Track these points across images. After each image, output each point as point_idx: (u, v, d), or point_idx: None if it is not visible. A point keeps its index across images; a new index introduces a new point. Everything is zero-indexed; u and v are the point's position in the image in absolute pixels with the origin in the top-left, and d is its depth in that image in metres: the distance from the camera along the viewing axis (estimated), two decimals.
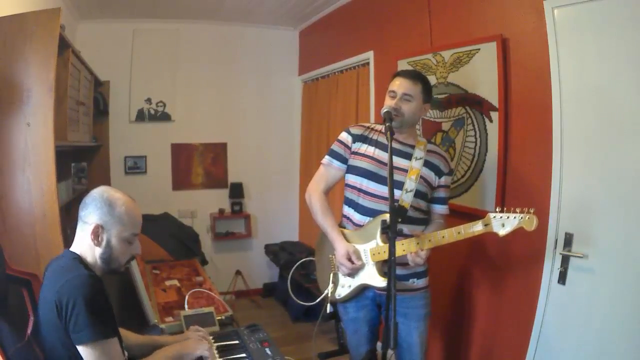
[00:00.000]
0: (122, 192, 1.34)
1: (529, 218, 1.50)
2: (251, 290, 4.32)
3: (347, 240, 1.81)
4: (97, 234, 1.25)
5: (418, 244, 1.67)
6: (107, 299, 1.24)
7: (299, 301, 2.11)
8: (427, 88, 1.80)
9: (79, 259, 1.26)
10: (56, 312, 1.13)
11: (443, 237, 1.64)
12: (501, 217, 1.54)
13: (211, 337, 1.61)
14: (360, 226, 1.82)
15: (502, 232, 1.54)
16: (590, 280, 1.70)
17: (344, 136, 1.90)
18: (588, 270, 1.71)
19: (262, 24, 4.29)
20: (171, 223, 3.89)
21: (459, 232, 1.61)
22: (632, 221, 1.57)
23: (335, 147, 1.90)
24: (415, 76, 1.80)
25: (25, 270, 1.41)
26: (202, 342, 1.47)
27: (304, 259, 2.50)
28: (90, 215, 1.26)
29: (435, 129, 2.41)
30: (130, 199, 1.33)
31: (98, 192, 1.29)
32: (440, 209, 1.88)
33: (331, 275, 1.86)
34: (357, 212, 1.84)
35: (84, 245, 1.28)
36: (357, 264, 1.75)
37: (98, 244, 1.26)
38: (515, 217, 1.52)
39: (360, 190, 1.82)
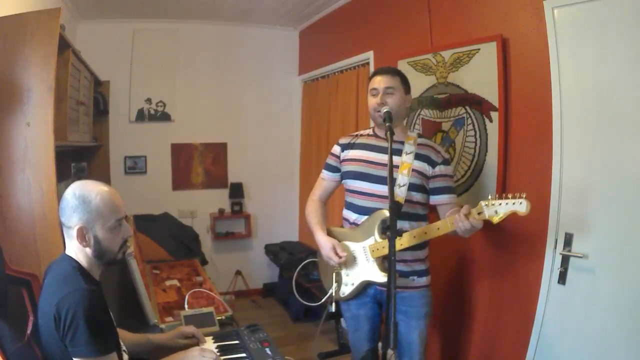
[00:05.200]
0: (95, 182, 1.28)
1: (521, 203, 1.47)
2: (251, 290, 4.32)
3: (345, 238, 1.85)
4: (82, 235, 1.22)
5: (439, 228, 1.65)
6: (107, 313, 1.22)
7: (304, 302, 2.11)
8: (404, 79, 1.87)
9: (78, 268, 1.23)
10: (54, 324, 1.12)
11: (438, 228, 1.65)
12: (493, 204, 1.52)
13: (216, 350, 1.56)
14: (357, 225, 1.85)
15: (495, 218, 1.53)
16: (590, 280, 1.70)
17: (335, 148, 2.01)
18: (588, 270, 1.71)
19: (262, 24, 4.28)
20: (171, 223, 3.90)
21: (452, 223, 1.61)
22: (632, 221, 1.57)
23: (328, 159, 2.03)
24: (391, 70, 1.89)
25: (25, 270, 1.41)
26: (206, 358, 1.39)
27: (308, 260, 2.50)
28: (70, 219, 1.22)
29: (435, 129, 2.41)
30: (104, 187, 1.27)
31: (70, 193, 1.24)
32: (441, 199, 1.83)
33: (334, 274, 1.87)
34: (353, 211, 1.89)
35: (76, 249, 1.25)
36: (343, 256, 1.77)
37: (87, 245, 1.23)
38: (507, 203, 1.50)
39: (354, 191, 1.89)
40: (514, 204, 1.49)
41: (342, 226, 1.98)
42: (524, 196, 1.48)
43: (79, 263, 1.25)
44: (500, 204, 1.52)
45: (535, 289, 1.89)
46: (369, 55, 3.19)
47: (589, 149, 1.71)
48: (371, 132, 1.95)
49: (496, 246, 2.11)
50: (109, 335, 1.19)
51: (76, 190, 1.24)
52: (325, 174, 2.02)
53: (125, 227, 1.31)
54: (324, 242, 1.83)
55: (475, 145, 2.18)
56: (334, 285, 1.86)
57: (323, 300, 1.94)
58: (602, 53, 1.64)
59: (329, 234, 1.90)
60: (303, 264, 2.41)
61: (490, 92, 2.07)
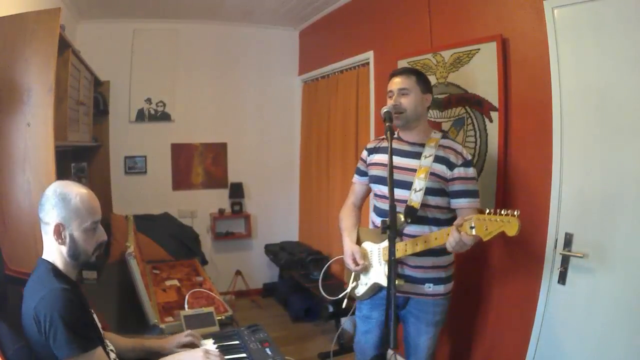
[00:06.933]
0: (76, 183, 1.32)
1: (510, 222, 1.35)
2: (251, 290, 4.31)
3: (366, 238, 1.89)
4: (59, 232, 1.24)
5: (436, 238, 1.63)
6: (84, 309, 1.23)
7: (327, 296, 2.10)
8: (422, 78, 1.84)
9: (52, 269, 1.24)
10: (36, 328, 1.14)
11: (435, 238, 1.64)
12: (484, 220, 1.42)
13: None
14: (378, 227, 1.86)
15: (486, 234, 1.42)
16: (590, 280, 1.70)
17: (363, 153, 2.04)
18: (588, 270, 1.71)
19: (262, 24, 4.28)
20: (171, 223, 3.90)
21: (447, 234, 1.56)
22: (632, 221, 1.57)
23: (358, 164, 2.07)
24: (407, 70, 1.87)
25: (25, 270, 1.40)
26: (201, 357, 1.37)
27: (337, 257, 2.51)
28: (48, 215, 1.24)
29: (435, 129, 2.41)
30: (84, 189, 1.30)
31: (51, 190, 1.26)
32: (459, 203, 1.77)
33: (353, 273, 1.90)
34: (377, 214, 1.93)
35: (52, 249, 1.27)
36: (360, 264, 1.80)
37: (62, 242, 1.25)
38: (497, 220, 1.38)
39: (377, 195, 1.93)
40: (502, 221, 1.37)
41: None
42: (517, 214, 1.35)
43: (54, 265, 1.26)
44: (490, 220, 1.40)
45: (535, 289, 1.89)
46: (369, 55, 3.19)
47: (589, 149, 1.71)
48: (396, 136, 1.91)
49: (496, 246, 2.11)
50: (89, 331, 1.20)
51: (57, 188, 1.27)
52: (355, 178, 2.06)
53: (100, 230, 1.33)
54: (346, 248, 1.89)
55: (475, 145, 2.18)
56: (352, 283, 1.90)
57: (341, 296, 1.97)
58: (602, 53, 1.64)
59: (357, 233, 1.94)
60: (330, 262, 2.42)
61: (490, 92, 2.07)
